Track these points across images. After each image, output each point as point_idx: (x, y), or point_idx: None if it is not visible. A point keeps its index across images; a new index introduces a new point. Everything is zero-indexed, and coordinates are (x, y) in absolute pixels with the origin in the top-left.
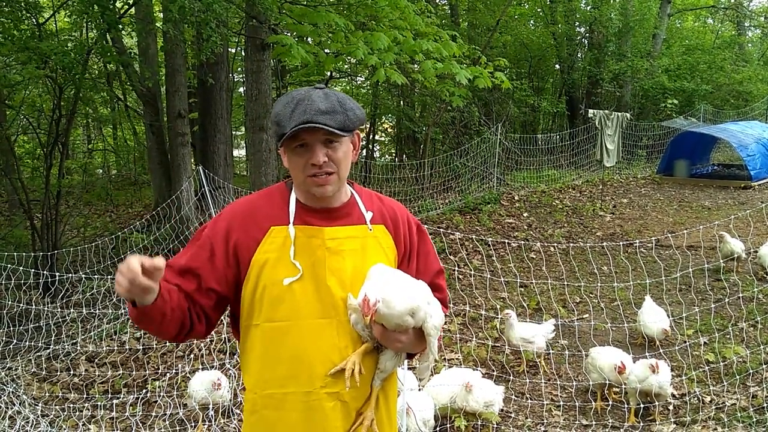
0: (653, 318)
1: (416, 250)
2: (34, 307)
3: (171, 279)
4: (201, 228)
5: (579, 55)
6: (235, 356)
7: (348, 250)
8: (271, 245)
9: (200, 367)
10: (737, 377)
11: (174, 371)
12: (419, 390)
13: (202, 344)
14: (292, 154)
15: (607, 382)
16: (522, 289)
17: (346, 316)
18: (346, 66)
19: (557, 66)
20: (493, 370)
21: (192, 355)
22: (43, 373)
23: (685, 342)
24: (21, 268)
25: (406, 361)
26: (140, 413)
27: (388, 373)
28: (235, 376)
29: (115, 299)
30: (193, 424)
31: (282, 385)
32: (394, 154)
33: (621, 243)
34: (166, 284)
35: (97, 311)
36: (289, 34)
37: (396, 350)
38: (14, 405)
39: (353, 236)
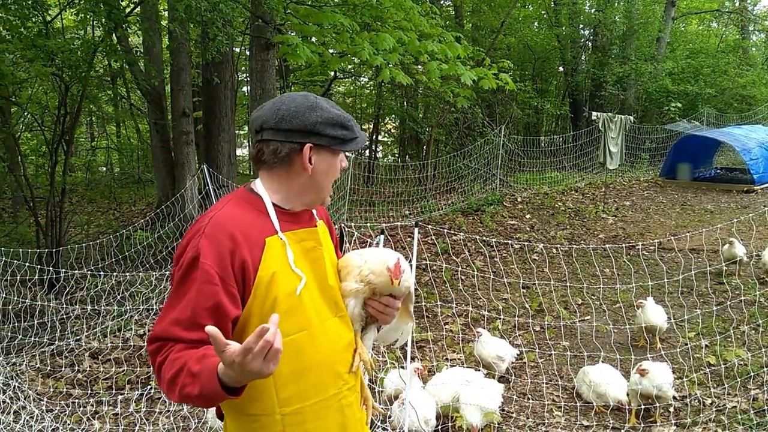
0: (656, 313)
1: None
2: (39, 303)
3: (183, 336)
4: (190, 257)
5: (583, 58)
6: None
7: (326, 246)
8: (272, 258)
9: None
10: (738, 380)
11: None
12: (422, 388)
13: None
14: (335, 158)
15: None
16: (524, 290)
17: (344, 310)
18: (349, 66)
19: (561, 68)
20: (495, 370)
21: None
22: (48, 368)
23: (687, 344)
24: (27, 264)
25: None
26: (144, 409)
27: (368, 352)
28: None
29: (119, 297)
30: (196, 421)
31: (307, 397)
32: (397, 155)
33: (624, 245)
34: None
35: (101, 308)
36: (293, 34)
37: (387, 321)
38: (19, 400)
39: (322, 233)
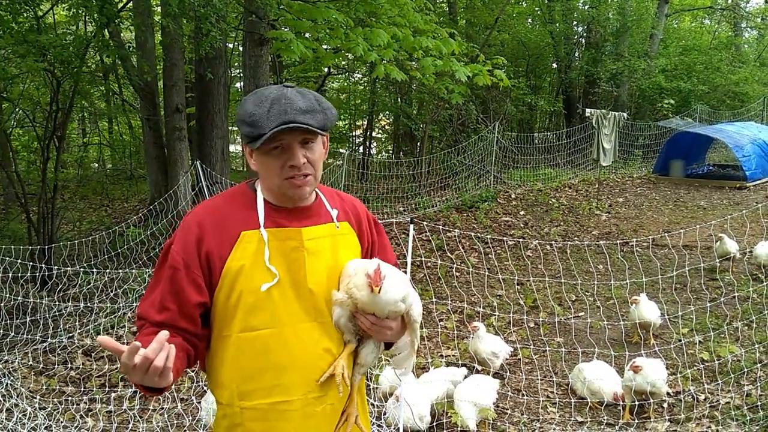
0: (649, 309)
1: (376, 244)
2: (31, 300)
3: (154, 317)
4: (167, 244)
5: (576, 54)
6: None
7: (323, 249)
8: (243, 252)
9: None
10: (731, 376)
11: None
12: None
13: None
14: (267, 156)
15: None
16: (519, 287)
17: (329, 317)
18: (343, 62)
19: (554, 65)
20: (490, 367)
21: None
22: (40, 366)
23: (681, 340)
24: (19, 261)
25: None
26: (137, 407)
27: (368, 367)
28: None
29: (112, 294)
30: (190, 418)
31: (268, 395)
32: (391, 151)
33: (618, 242)
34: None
35: (94, 305)
36: (287, 29)
37: (384, 339)
38: (12, 397)
39: (324, 235)
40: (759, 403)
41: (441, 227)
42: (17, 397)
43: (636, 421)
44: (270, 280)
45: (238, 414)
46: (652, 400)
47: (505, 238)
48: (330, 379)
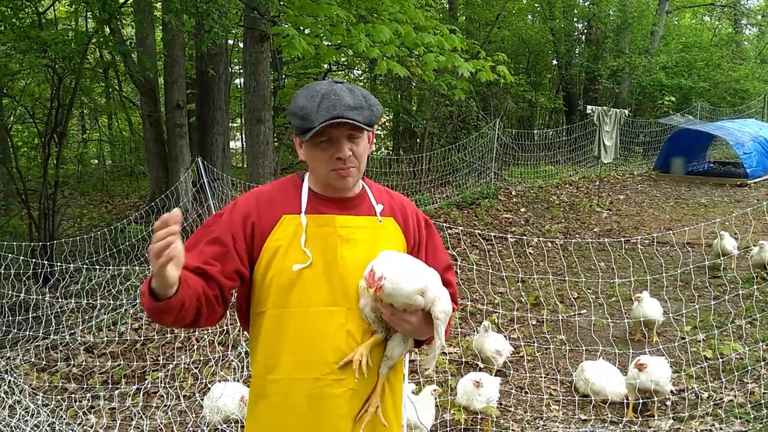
0: (652, 306)
1: (424, 244)
2: (33, 297)
3: (191, 263)
4: (217, 214)
5: (577, 51)
6: (237, 348)
7: (360, 239)
8: (282, 233)
9: (200, 358)
10: (735, 374)
11: (174, 363)
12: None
13: (205, 335)
14: (315, 148)
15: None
16: (521, 284)
17: (357, 304)
18: (343, 58)
19: (555, 61)
20: (493, 365)
21: (192, 346)
22: (43, 363)
23: (684, 338)
24: (21, 258)
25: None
26: (140, 404)
27: (395, 361)
28: (238, 368)
29: (114, 291)
30: (193, 416)
31: (290, 371)
32: (390, 148)
33: (621, 239)
34: (185, 272)
35: (97, 302)
36: (288, 25)
37: (404, 332)
38: (14, 394)
39: (364, 226)
40: (762, 401)
41: (442, 224)
42: (20, 394)
43: (640, 419)
44: (304, 262)
45: (264, 386)
46: (655, 398)
47: (509, 236)
48: (350, 364)
